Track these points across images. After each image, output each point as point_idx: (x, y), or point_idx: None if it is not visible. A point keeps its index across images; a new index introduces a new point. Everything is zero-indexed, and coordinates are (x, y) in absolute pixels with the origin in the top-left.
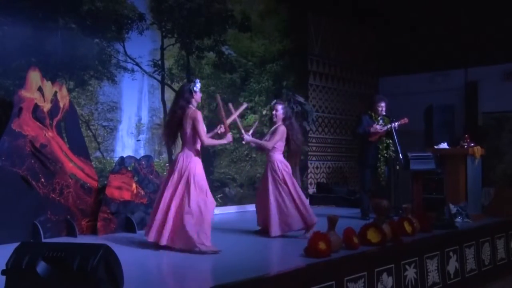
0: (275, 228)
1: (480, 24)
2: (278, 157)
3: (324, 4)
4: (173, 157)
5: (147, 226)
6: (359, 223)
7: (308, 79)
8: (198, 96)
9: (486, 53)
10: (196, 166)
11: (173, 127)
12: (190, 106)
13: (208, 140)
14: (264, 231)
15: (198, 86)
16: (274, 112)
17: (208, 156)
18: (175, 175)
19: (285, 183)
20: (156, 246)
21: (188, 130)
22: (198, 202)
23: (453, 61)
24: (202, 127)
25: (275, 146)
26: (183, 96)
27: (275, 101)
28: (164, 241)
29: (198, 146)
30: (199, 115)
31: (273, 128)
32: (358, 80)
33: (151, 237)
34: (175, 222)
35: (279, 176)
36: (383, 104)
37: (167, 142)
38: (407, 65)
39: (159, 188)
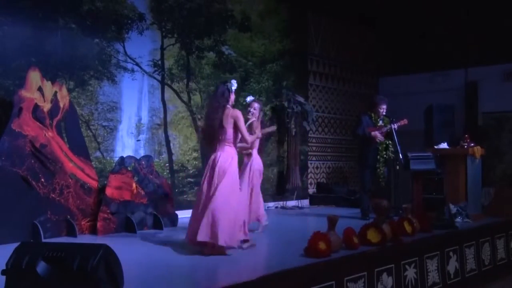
0: None
1: (480, 24)
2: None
3: (324, 4)
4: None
5: (191, 228)
6: (359, 223)
7: (308, 79)
8: (233, 96)
9: (486, 53)
10: (236, 164)
11: (216, 128)
12: (229, 106)
13: (251, 137)
14: None
15: (234, 86)
16: (252, 110)
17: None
18: (216, 174)
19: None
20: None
21: (229, 129)
22: (237, 200)
23: (453, 61)
24: (244, 126)
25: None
26: (223, 96)
27: (252, 98)
28: (202, 238)
29: (236, 145)
30: (240, 114)
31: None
32: (358, 80)
33: (201, 237)
34: (212, 218)
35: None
36: (384, 106)
37: (210, 143)
38: (407, 65)
39: (159, 188)
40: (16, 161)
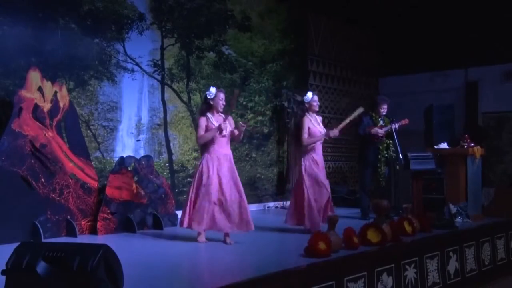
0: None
1: (480, 24)
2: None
3: (324, 4)
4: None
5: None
6: (359, 223)
7: (308, 79)
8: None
9: (486, 53)
10: None
11: None
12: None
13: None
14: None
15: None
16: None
17: None
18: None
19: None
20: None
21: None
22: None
23: (453, 61)
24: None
25: None
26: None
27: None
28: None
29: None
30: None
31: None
32: (358, 80)
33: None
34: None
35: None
36: (385, 106)
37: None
38: (407, 65)
39: (159, 188)
40: (16, 161)
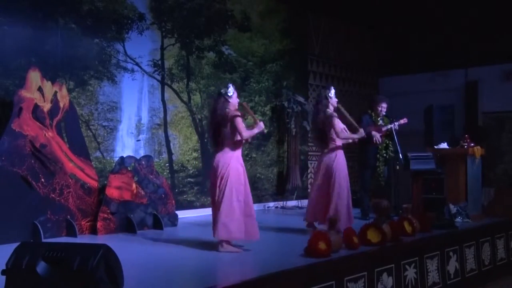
0: None
1: (480, 24)
2: None
3: (324, 4)
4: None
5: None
6: (359, 223)
7: (308, 79)
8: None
9: (486, 53)
10: None
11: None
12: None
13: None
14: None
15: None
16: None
17: (208, 156)
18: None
19: None
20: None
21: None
22: None
23: (453, 61)
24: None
25: None
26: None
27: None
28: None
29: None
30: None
31: None
32: (358, 80)
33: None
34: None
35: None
36: (384, 105)
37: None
38: (407, 65)
39: (159, 188)
40: (16, 161)
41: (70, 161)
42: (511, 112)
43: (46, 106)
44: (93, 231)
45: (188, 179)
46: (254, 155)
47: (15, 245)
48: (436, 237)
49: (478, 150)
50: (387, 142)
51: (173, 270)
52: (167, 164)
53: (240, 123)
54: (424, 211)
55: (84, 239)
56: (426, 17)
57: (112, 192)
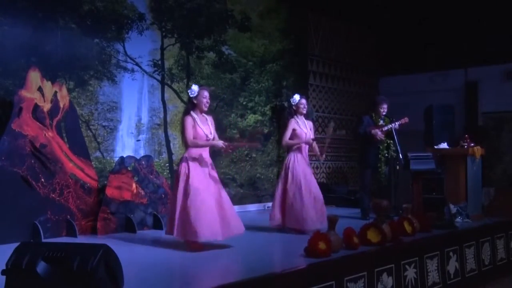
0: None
1: (480, 24)
2: None
3: (324, 4)
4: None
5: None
6: (359, 223)
7: (308, 79)
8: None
9: (486, 53)
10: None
11: None
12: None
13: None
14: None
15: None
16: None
17: None
18: None
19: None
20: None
21: None
22: None
23: (453, 61)
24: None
25: None
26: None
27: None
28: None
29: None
30: None
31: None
32: (358, 80)
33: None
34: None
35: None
36: (385, 106)
37: None
38: (407, 65)
39: (159, 188)
40: (16, 161)
41: (70, 161)
42: (511, 112)
43: (46, 106)
44: (93, 231)
45: None
46: (254, 155)
47: (15, 245)
48: (436, 237)
49: (478, 150)
50: (388, 142)
51: (173, 270)
52: (167, 164)
53: (186, 122)
54: (424, 211)
55: (84, 239)
56: (426, 17)
57: (112, 192)
